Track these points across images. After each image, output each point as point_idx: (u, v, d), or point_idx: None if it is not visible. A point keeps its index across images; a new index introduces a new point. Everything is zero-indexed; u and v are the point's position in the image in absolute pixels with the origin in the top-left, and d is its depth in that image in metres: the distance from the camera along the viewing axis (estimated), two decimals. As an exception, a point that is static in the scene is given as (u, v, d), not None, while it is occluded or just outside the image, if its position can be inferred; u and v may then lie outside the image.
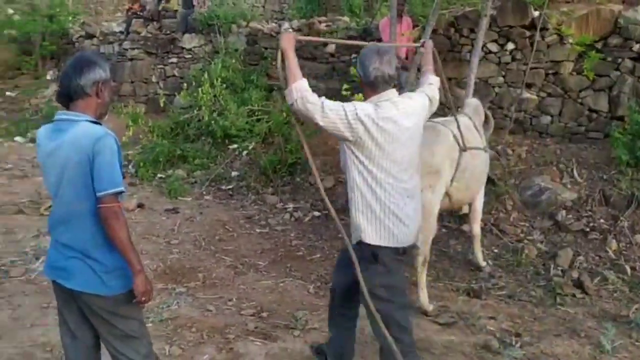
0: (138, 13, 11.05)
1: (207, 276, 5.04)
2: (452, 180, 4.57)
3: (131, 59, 10.51)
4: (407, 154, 3.00)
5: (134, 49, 10.58)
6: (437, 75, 3.58)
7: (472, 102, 5.42)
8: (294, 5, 13.60)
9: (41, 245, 5.30)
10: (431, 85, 3.44)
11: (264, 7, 14.46)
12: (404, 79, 6.79)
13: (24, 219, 6.13)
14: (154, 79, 10.24)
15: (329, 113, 2.86)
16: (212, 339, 3.98)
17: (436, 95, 3.40)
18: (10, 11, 14.28)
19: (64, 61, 11.77)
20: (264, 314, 4.39)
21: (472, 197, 5.05)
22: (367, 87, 3.05)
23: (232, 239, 5.97)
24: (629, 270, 5.21)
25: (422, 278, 4.52)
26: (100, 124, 2.59)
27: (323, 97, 2.93)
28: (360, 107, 2.91)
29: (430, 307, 4.49)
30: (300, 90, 2.87)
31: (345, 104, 2.93)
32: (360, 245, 2.97)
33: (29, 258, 5.15)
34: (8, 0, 14.63)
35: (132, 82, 10.50)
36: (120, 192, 2.53)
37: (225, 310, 4.44)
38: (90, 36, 11.49)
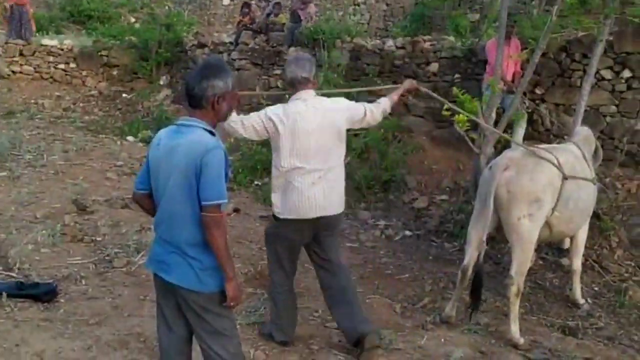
0: (248, 26, 11.46)
1: (295, 285, 5.09)
2: (553, 209, 4.39)
3: (238, 69, 10.90)
4: (315, 143, 3.64)
5: (241, 59, 10.98)
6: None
7: (583, 131, 5.19)
8: (398, 23, 13.65)
9: (143, 240, 5.58)
10: (377, 104, 3.99)
11: (368, 23, 14.64)
12: (507, 103, 6.60)
13: (129, 213, 6.47)
14: (257, 90, 10.54)
15: (247, 123, 3.69)
16: (296, 348, 4.02)
17: (375, 113, 3.91)
18: (132, 19, 15.29)
19: (177, 68, 12.42)
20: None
21: (574, 230, 4.81)
22: (288, 87, 3.89)
23: (321, 250, 6.01)
24: None
25: (515, 309, 4.35)
26: (214, 133, 2.71)
27: (242, 114, 3.72)
28: (270, 109, 3.73)
29: (521, 341, 4.31)
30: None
31: (259, 112, 3.74)
32: (273, 214, 3.86)
33: (131, 251, 5.43)
34: (131, 9, 15.69)
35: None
36: (223, 203, 2.65)
37: (310, 321, 4.47)
38: (202, 45, 12.04)
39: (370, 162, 7.69)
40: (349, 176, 7.59)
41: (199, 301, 2.71)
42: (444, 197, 6.98)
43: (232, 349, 2.82)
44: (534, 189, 4.30)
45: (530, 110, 7.13)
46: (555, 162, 4.41)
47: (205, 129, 2.69)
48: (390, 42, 9.26)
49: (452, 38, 9.10)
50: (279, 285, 4.02)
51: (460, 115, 6.00)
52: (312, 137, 3.65)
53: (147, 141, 9.29)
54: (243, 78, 10.83)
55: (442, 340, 4.28)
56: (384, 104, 4.01)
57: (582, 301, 5.06)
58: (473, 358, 4.07)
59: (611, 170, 6.54)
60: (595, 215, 5.90)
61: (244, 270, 5.25)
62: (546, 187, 4.34)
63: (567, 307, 5.07)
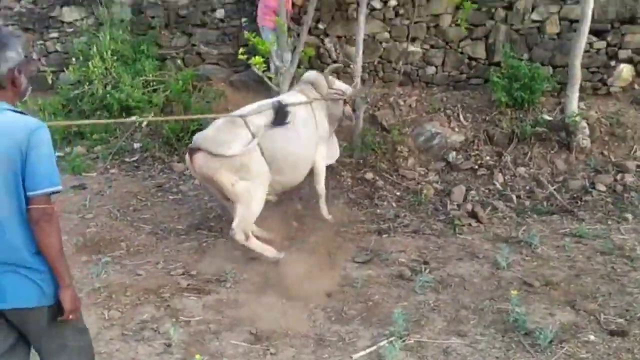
0: (7, -13, 10.39)
1: (130, 244, 5.13)
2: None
3: (7, 37, 9.91)
4: None
5: (8, 25, 9.97)
6: None
7: (310, 76, 5.46)
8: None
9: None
10: None
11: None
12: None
13: None
14: (34, 56, 9.75)
15: None
16: (149, 299, 4.15)
17: None
18: None
19: None
20: (194, 272, 4.59)
21: (301, 174, 5.03)
22: None
23: (146, 207, 6.02)
24: (514, 198, 5.93)
25: (256, 246, 4.61)
26: (25, 113, 2.31)
27: None
28: None
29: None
30: None
31: None
32: None
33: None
34: None
35: (10, 60, 9.91)
36: (57, 192, 2.28)
37: (155, 273, 4.59)
38: (-46, 14, 10.68)
39: (175, 115, 7.69)
40: (155, 132, 7.64)
41: (47, 317, 2.32)
42: (252, 138, 7.29)
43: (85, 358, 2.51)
44: (232, 158, 4.33)
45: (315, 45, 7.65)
46: (246, 125, 4.47)
47: (14, 111, 2.28)
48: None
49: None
50: None
51: (257, 57, 6.32)
52: None
53: None
54: (14, 45, 9.90)
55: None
56: None
57: (329, 217, 5.46)
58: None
59: (393, 90, 7.37)
60: (385, 130, 6.73)
61: (72, 241, 5.11)
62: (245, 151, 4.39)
63: (377, 214, 5.79)
